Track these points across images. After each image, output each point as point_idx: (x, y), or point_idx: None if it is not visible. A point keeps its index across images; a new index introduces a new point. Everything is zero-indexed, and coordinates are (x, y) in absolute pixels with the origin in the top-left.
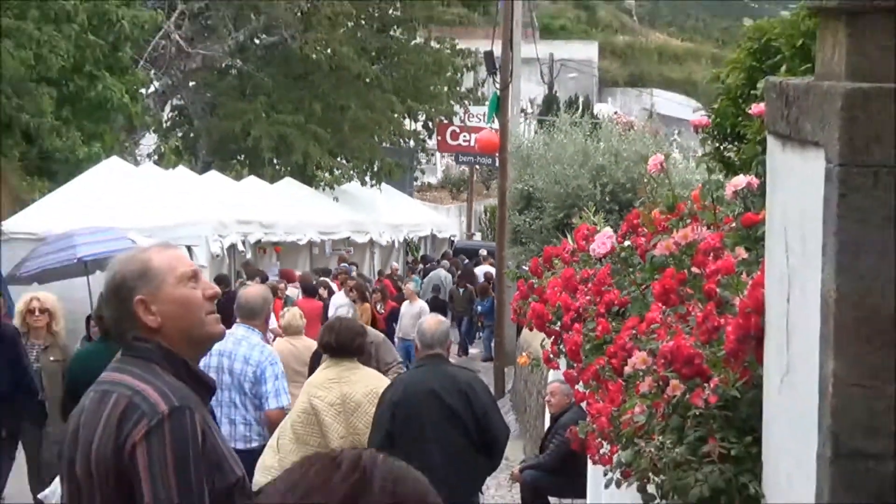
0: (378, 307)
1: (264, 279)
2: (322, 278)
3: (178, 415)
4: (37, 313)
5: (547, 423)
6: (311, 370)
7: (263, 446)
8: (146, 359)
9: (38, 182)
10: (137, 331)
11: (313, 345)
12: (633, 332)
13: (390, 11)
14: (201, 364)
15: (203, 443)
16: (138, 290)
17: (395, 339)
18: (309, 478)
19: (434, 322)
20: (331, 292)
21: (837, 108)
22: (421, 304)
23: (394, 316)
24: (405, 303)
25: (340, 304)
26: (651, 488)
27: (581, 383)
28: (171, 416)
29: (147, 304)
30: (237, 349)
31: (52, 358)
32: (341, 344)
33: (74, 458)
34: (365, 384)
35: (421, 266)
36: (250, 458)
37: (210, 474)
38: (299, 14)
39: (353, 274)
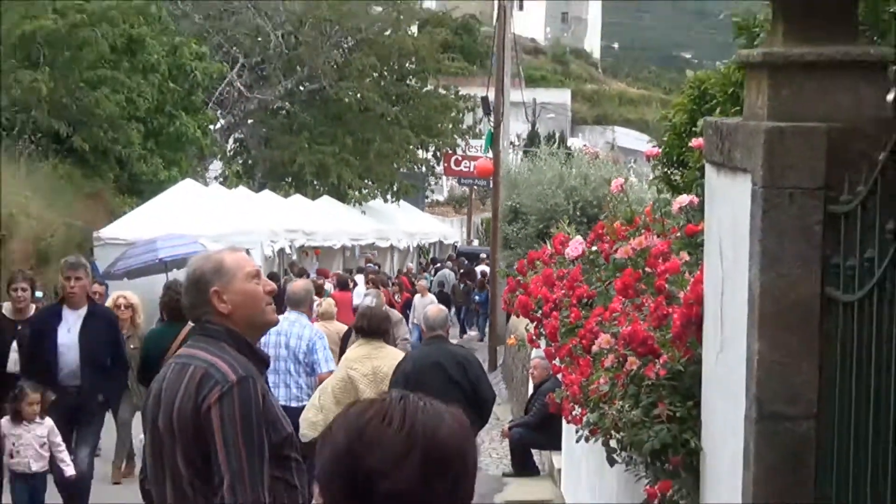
0: (396, 297)
1: (307, 276)
2: (349, 275)
3: (244, 383)
4: (122, 308)
5: (530, 391)
6: (342, 348)
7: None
8: (216, 338)
9: (127, 199)
10: (210, 315)
11: (343, 328)
12: (599, 318)
13: (407, 65)
14: (263, 341)
15: (263, 405)
16: (214, 283)
17: (410, 324)
18: (368, 432)
19: (436, 311)
20: (355, 284)
21: (761, 142)
22: (430, 297)
23: (408, 305)
24: (417, 295)
25: (366, 293)
26: (613, 443)
27: (557, 359)
28: (239, 383)
29: (220, 295)
30: (291, 329)
31: (132, 346)
32: (372, 328)
33: (157, 416)
34: (390, 360)
35: (431, 266)
36: (299, 413)
37: (267, 430)
38: (335, 66)
39: (378, 272)
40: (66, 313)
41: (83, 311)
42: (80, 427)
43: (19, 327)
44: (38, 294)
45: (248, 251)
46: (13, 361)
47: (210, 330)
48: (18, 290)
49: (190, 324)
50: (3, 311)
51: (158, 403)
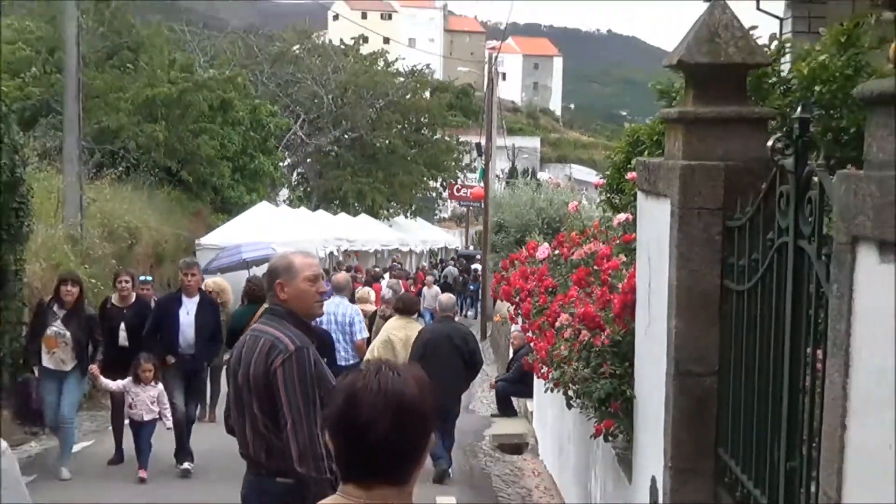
0: (411, 287)
1: (348, 271)
2: (380, 271)
3: (300, 351)
4: (212, 293)
5: (510, 355)
6: (370, 324)
7: (351, 363)
8: (280, 317)
9: (220, 216)
10: (274, 299)
11: (371, 309)
12: (560, 303)
13: (421, 119)
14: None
15: (315, 367)
16: (280, 276)
17: (422, 307)
18: (357, 396)
19: (447, 297)
20: (383, 278)
21: (677, 176)
22: (436, 288)
23: (419, 293)
24: (425, 287)
25: (389, 285)
26: (570, 393)
27: (530, 331)
28: (296, 352)
29: (283, 286)
30: (337, 309)
31: (222, 318)
32: (406, 308)
33: (237, 372)
34: (415, 331)
35: (439, 265)
36: (344, 370)
37: (317, 385)
38: (370, 121)
39: (401, 269)
40: (185, 300)
41: (196, 298)
42: (190, 384)
43: (125, 311)
44: (147, 278)
45: (336, 253)
46: (122, 338)
47: (276, 311)
48: (122, 282)
49: (265, 305)
50: (113, 300)
51: (239, 363)
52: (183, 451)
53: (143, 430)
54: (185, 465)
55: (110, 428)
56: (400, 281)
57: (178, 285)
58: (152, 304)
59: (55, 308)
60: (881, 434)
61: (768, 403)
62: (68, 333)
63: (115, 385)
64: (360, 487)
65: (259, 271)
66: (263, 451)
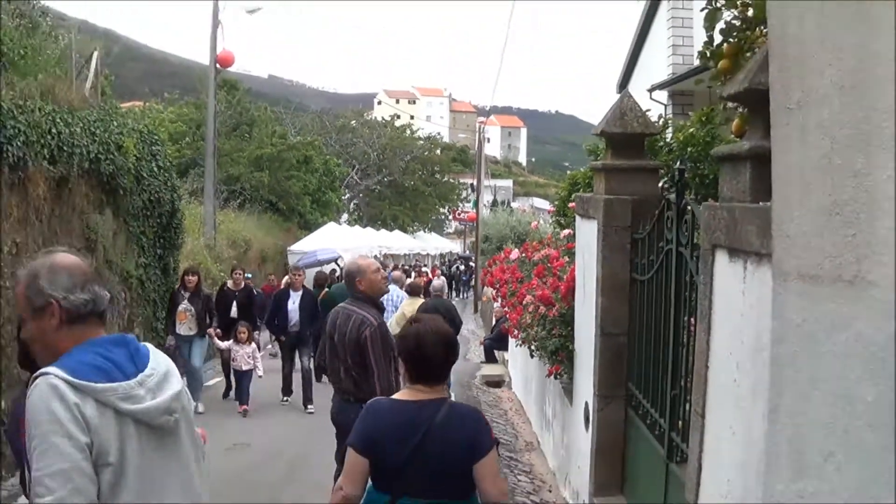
0: (426, 277)
1: (395, 269)
2: (410, 268)
3: (381, 325)
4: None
5: (493, 322)
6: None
7: None
8: (362, 301)
9: (303, 232)
10: (356, 291)
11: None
12: (526, 288)
13: (434, 167)
14: (383, 299)
15: (387, 334)
16: (357, 276)
17: (430, 290)
18: (419, 334)
19: (440, 282)
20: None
21: (601, 205)
22: (442, 279)
23: (430, 282)
24: (435, 278)
25: (394, 277)
26: (532, 347)
27: (506, 307)
28: (378, 326)
29: (360, 282)
30: (393, 293)
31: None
32: (415, 291)
33: (334, 335)
34: (419, 305)
35: (447, 262)
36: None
37: (390, 347)
38: (401, 168)
39: (423, 267)
40: (292, 293)
41: (300, 292)
42: (300, 349)
43: (236, 293)
44: (249, 275)
45: (378, 256)
46: (233, 311)
47: (359, 297)
48: (236, 275)
49: (326, 289)
50: (228, 285)
51: (335, 329)
52: (305, 400)
53: (242, 378)
54: (309, 408)
55: (222, 378)
56: (421, 276)
57: (278, 277)
58: (253, 289)
59: (182, 292)
60: (728, 373)
61: (660, 353)
62: (192, 308)
63: (224, 344)
64: (424, 385)
65: (327, 268)
66: (352, 385)
